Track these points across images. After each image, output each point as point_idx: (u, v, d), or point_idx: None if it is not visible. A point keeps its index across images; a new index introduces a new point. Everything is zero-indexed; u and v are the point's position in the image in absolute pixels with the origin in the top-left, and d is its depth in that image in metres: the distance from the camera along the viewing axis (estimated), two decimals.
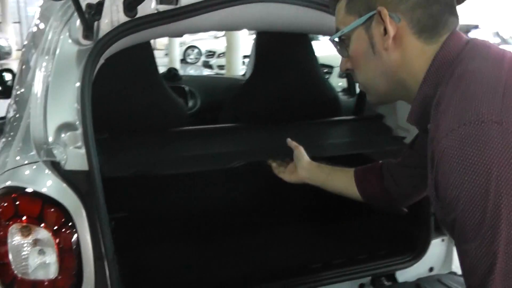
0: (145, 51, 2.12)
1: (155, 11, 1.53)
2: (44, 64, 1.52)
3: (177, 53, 13.82)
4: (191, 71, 12.24)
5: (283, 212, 2.39)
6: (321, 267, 1.83)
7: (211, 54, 14.44)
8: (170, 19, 1.52)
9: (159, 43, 17.24)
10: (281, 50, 2.35)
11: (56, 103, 1.46)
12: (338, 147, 2.17)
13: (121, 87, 2.03)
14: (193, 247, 2.09)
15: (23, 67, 1.80)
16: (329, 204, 2.02)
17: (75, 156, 1.41)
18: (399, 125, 2.08)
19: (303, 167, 1.58)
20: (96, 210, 1.39)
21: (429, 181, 0.90)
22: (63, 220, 1.36)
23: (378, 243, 2.03)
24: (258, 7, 1.60)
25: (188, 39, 16.52)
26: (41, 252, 1.38)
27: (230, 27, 1.76)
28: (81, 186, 1.41)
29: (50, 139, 1.42)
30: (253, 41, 2.78)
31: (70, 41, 1.51)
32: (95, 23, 1.49)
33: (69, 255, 1.37)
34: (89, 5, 1.46)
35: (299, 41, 2.37)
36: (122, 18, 1.50)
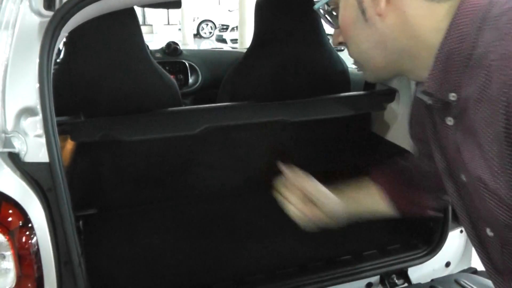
0: (130, 23, 1.89)
1: None
2: (3, 39, 1.33)
3: (190, 28, 13.57)
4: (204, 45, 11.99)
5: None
6: (324, 266, 1.63)
7: (224, 28, 14.15)
8: None
9: (172, 17, 16.98)
10: (284, 19, 2.10)
11: (16, 84, 1.27)
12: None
13: (101, 65, 1.82)
14: (178, 236, 1.93)
15: None
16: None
17: (35, 146, 1.23)
18: None
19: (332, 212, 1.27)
20: (59, 209, 1.22)
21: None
22: (21, 221, 1.19)
23: (388, 236, 1.81)
24: None
25: (202, 13, 16.22)
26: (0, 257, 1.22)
27: None
28: (43, 181, 1.24)
29: (9, 126, 1.23)
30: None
31: (31, 12, 1.30)
32: None
33: (28, 261, 1.20)
34: None
35: (304, 8, 2.12)
36: None
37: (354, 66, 2.83)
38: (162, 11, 15.58)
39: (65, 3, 1.25)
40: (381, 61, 0.88)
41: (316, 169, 2.31)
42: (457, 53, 0.78)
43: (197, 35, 15.98)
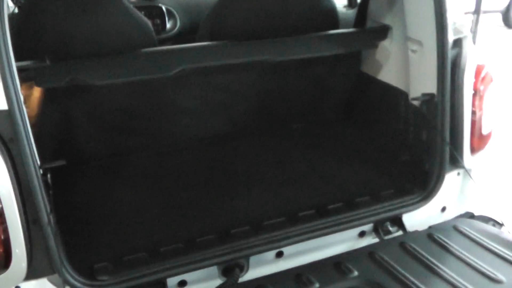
0: None
1: None
2: None
3: None
4: None
5: (266, 138, 2.11)
6: (313, 215, 1.53)
7: None
8: None
9: None
10: None
11: None
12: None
13: (68, 4, 1.65)
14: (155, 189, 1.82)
15: None
16: (323, 150, 1.78)
17: None
18: (410, 36, 1.70)
19: None
20: (23, 161, 1.10)
21: None
22: None
23: (381, 180, 1.73)
24: None
25: None
26: None
27: None
28: (2, 131, 1.11)
29: None
30: None
31: None
32: None
33: None
34: None
35: None
36: None
37: (342, 5, 2.68)
38: None
39: None
40: None
41: (303, 112, 2.21)
42: None
43: None
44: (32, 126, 1.61)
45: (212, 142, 2.05)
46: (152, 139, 1.98)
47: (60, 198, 1.42)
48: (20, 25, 1.63)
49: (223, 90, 1.97)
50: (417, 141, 1.71)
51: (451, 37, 1.54)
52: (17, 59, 1.50)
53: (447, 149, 1.56)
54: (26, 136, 1.13)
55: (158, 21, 3.00)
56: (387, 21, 1.86)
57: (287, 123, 2.21)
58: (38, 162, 1.20)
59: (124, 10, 1.77)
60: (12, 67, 1.13)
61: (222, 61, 1.72)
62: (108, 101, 1.81)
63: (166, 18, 3.02)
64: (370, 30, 1.90)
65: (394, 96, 1.83)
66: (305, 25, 1.95)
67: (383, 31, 1.86)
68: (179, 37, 2.99)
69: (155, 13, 3.01)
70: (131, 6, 1.82)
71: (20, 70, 1.36)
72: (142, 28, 1.80)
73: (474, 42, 1.67)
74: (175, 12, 3.05)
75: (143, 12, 2.93)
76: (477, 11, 4.54)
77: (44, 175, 1.22)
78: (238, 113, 2.04)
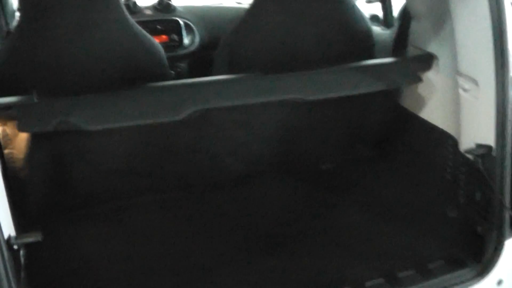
0: None
1: None
2: None
3: None
4: None
5: (290, 181, 1.84)
6: None
7: None
8: None
9: None
10: None
11: None
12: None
13: (64, 27, 1.44)
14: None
15: None
16: (357, 199, 1.57)
17: None
18: (461, 71, 1.41)
19: None
20: None
21: None
22: None
23: (426, 244, 1.45)
24: None
25: None
26: None
27: None
28: None
29: None
30: None
31: None
32: None
33: None
34: None
35: None
36: None
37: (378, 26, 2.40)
38: None
39: None
40: None
41: (333, 151, 1.93)
42: None
43: None
44: (20, 170, 1.40)
45: (228, 186, 1.80)
46: (158, 182, 1.73)
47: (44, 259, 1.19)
48: (9, 51, 1.43)
49: (242, 127, 1.74)
50: (468, 199, 1.43)
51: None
52: (8, 93, 1.30)
53: (507, 211, 1.28)
54: None
55: (175, 37, 2.79)
56: (432, 48, 1.59)
57: (314, 164, 1.95)
58: (11, 234, 0.99)
59: (130, 32, 1.54)
60: None
61: (242, 100, 1.48)
62: (106, 142, 1.59)
63: (184, 33, 2.80)
64: (412, 60, 1.62)
65: (440, 141, 1.55)
66: (337, 51, 1.70)
67: (427, 61, 1.60)
68: (198, 53, 2.79)
69: (172, 28, 2.80)
70: (139, 27, 1.60)
71: (3, 108, 1.16)
72: (151, 54, 1.58)
73: None
74: (193, 26, 2.84)
75: (158, 27, 2.75)
76: None
77: (17, 251, 1.01)
78: (258, 153, 1.80)
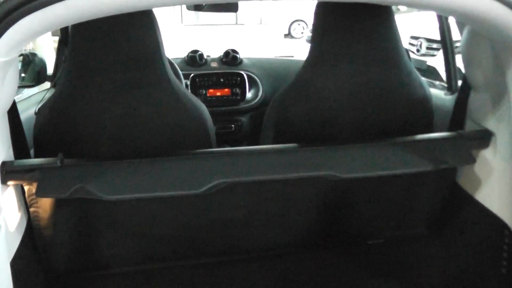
0: (143, 31, 1.43)
1: None
2: None
3: (280, 27, 13.24)
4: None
5: (334, 256, 1.73)
6: None
7: None
8: None
9: (264, 17, 16.78)
10: (351, 29, 1.58)
11: None
12: None
13: (100, 87, 1.42)
14: None
15: None
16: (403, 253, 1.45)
17: None
18: None
19: None
20: None
21: None
22: None
23: None
24: None
25: (294, 12, 15.83)
26: None
27: None
28: None
29: None
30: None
31: None
32: None
33: None
34: None
35: (378, 16, 1.60)
36: None
37: (439, 90, 2.26)
38: (254, 9, 15.47)
39: None
40: None
41: (381, 226, 1.80)
42: None
43: (288, 34, 15.62)
44: (44, 229, 1.43)
45: (259, 258, 1.71)
46: (190, 247, 1.68)
47: None
48: (50, 109, 1.43)
49: (276, 200, 1.64)
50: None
51: None
52: (41, 153, 1.33)
53: None
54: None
55: (238, 90, 2.80)
56: (490, 125, 1.45)
57: (360, 238, 1.82)
58: None
59: (171, 94, 1.48)
60: None
61: (270, 176, 1.38)
62: (130, 206, 1.55)
63: (247, 87, 2.81)
64: (468, 137, 1.48)
65: (495, 229, 1.39)
66: (389, 119, 1.59)
67: (483, 138, 1.45)
68: (261, 107, 2.77)
69: (236, 81, 2.82)
70: (185, 90, 1.55)
71: (28, 170, 1.19)
72: (193, 118, 1.51)
73: None
74: (258, 80, 2.83)
75: (222, 80, 2.78)
76: None
77: None
78: (301, 226, 1.70)
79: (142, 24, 1.41)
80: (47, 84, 2.30)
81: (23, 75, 2.32)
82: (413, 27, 6.33)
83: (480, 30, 1.32)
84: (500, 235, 1.37)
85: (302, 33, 15.64)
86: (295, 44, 13.99)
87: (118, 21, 1.31)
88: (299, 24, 15.95)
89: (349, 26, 1.57)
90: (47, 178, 1.25)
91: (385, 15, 1.58)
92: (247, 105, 2.79)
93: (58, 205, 1.42)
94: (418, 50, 6.33)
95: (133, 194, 1.28)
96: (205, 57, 2.87)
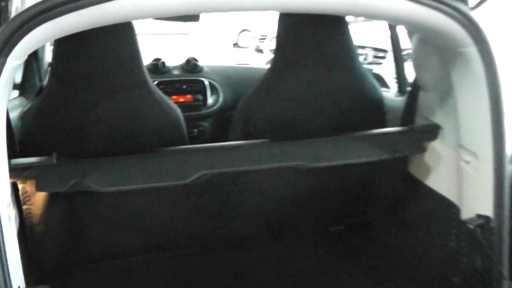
0: (123, 40, 1.56)
1: None
2: None
3: (229, 37, 13.39)
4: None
5: (300, 242, 1.89)
6: None
7: (263, 38, 13.86)
8: None
9: (212, 27, 16.90)
10: (310, 37, 1.76)
11: None
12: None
13: (86, 91, 1.53)
14: None
15: None
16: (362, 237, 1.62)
17: None
18: (463, 144, 1.48)
19: None
20: None
21: None
22: None
23: None
24: None
25: (242, 22, 16.05)
26: None
27: (220, 7, 1.22)
28: None
29: None
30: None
31: None
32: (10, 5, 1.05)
33: None
34: None
35: (334, 25, 1.78)
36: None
37: (390, 92, 2.48)
38: (201, 18, 15.57)
39: (10, 21, 0.99)
40: None
41: (342, 214, 1.98)
42: None
43: (236, 44, 15.81)
44: (36, 225, 1.49)
45: (238, 246, 1.86)
46: (169, 240, 1.81)
47: None
48: (37, 112, 1.54)
49: (250, 190, 1.80)
50: (470, 266, 1.45)
51: (510, 149, 1.32)
52: (31, 154, 1.40)
53: (505, 283, 1.30)
54: (2, 260, 1.00)
55: (200, 97, 2.91)
56: (438, 120, 1.65)
57: (324, 226, 2.00)
58: (21, 286, 1.07)
59: (150, 97, 1.62)
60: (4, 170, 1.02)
61: (248, 166, 1.54)
62: (119, 202, 1.67)
63: (208, 93, 2.93)
64: (418, 130, 1.69)
65: (444, 208, 1.59)
66: (347, 118, 1.77)
67: (432, 132, 1.65)
68: (222, 113, 2.89)
69: (197, 88, 2.93)
70: (159, 92, 1.68)
71: (24, 168, 1.27)
72: (171, 119, 1.66)
73: None
74: (218, 87, 2.96)
75: (184, 87, 2.89)
76: None
77: None
78: (269, 215, 1.85)
79: (122, 33, 1.53)
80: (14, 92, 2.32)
81: None
82: (359, 37, 6.67)
83: (427, 38, 1.52)
84: (449, 213, 1.57)
85: (249, 42, 15.88)
86: (244, 53, 14.19)
87: (100, 31, 1.41)
88: (246, 34, 16.20)
89: (309, 35, 1.75)
90: (45, 174, 1.34)
91: (340, 25, 1.77)
92: (208, 110, 2.91)
93: (50, 202, 1.49)
94: (365, 59, 6.67)
95: (127, 186, 1.40)
96: (167, 65, 2.97)
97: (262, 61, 10.30)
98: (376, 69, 6.29)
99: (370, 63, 6.78)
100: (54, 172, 1.36)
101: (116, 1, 1.03)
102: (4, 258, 1.01)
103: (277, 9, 1.42)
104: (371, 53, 6.82)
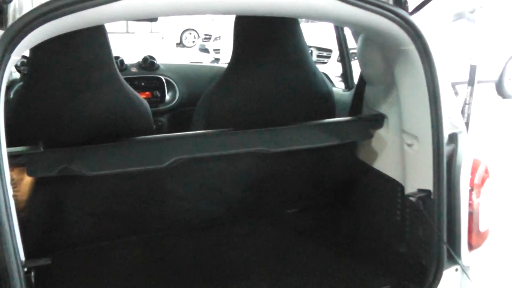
0: (96, 40, 1.70)
1: None
2: None
3: (173, 37, 13.39)
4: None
5: (261, 223, 2.07)
6: None
7: (207, 37, 13.97)
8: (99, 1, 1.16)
9: (155, 26, 16.76)
10: (265, 37, 1.94)
11: None
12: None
13: (63, 87, 1.64)
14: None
15: None
16: (316, 218, 1.77)
17: None
18: (405, 130, 1.69)
19: None
20: (5, 259, 1.10)
21: None
22: None
23: (377, 274, 1.68)
24: None
25: (185, 22, 16.03)
26: None
27: (181, 11, 1.37)
28: None
29: None
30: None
31: None
32: (11, 6, 1.16)
33: None
34: None
35: (287, 26, 1.96)
36: (38, 2, 1.15)
37: (339, 87, 2.70)
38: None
39: (16, 22, 1.10)
40: None
41: (298, 198, 2.18)
42: None
43: (180, 43, 15.80)
44: (21, 211, 1.57)
45: (204, 228, 2.01)
46: (142, 224, 1.93)
47: None
48: (17, 108, 1.63)
49: (217, 176, 1.95)
50: (414, 235, 1.68)
51: (446, 132, 1.54)
52: (14, 142, 1.48)
53: (444, 246, 1.53)
54: (11, 232, 1.10)
55: (158, 93, 3.02)
56: (383, 110, 1.86)
57: (281, 208, 2.17)
58: (23, 259, 1.16)
59: (122, 91, 1.76)
60: (3, 157, 1.12)
61: (216, 151, 1.71)
62: (99, 187, 1.78)
63: (166, 90, 3.04)
64: (365, 119, 1.90)
65: (390, 187, 1.80)
66: (300, 110, 1.96)
67: (378, 121, 1.86)
68: (179, 109, 3.02)
69: (155, 85, 3.04)
70: (129, 87, 1.82)
71: (13, 156, 1.35)
72: (139, 111, 1.80)
73: (467, 128, 1.66)
74: (174, 84, 3.08)
75: (143, 84, 2.99)
76: (471, 82, 4.65)
77: (28, 272, 1.18)
78: (232, 198, 2.01)
79: (95, 32, 1.64)
80: None
81: None
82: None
83: (371, 38, 1.72)
84: (394, 191, 1.78)
85: (193, 42, 15.90)
86: (188, 52, 14.19)
87: (74, 41, 1.52)
88: (190, 33, 16.20)
89: (264, 34, 1.93)
90: (33, 161, 1.43)
91: (293, 24, 1.96)
92: (166, 106, 3.03)
93: (35, 189, 1.58)
94: None
95: (110, 170, 1.52)
96: (125, 63, 3.05)
97: (206, 61, 10.40)
98: (321, 68, 6.62)
99: (315, 62, 7.10)
100: (42, 159, 1.46)
101: (107, 5, 1.15)
102: (13, 232, 1.10)
103: (236, 12, 1.58)
104: (315, 52, 7.11)
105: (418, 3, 1.48)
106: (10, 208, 1.12)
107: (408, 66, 1.58)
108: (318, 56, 6.68)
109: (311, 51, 7.17)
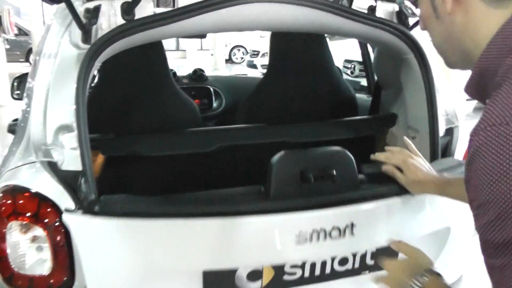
0: (155, 54, 2.14)
1: (152, 13, 1.56)
2: (46, 67, 1.59)
3: (222, 53, 13.95)
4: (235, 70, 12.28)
5: None
6: None
7: (255, 53, 14.49)
8: (167, 20, 1.53)
9: (205, 42, 17.45)
10: (296, 50, 2.32)
11: (55, 105, 1.52)
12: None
13: (129, 90, 2.07)
14: None
15: (31, 71, 1.89)
16: None
17: (71, 157, 1.45)
18: (410, 125, 2.01)
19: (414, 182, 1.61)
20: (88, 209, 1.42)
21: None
22: (57, 219, 1.40)
23: None
24: (254, 7, 1.59)
25: (234, 39, 16.65)
26: (38, 249, 1.44)
27: (227, 28, 1.76)
28: (76, 186, 1.46)
29: (49, 140, 1.47)
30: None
31: (70, 45, 1.57)
32: (94, 27, 1.55)
33: (62, 252, 1.42)
34: (87, 10, 1.53)
35: (315, 40, 2.34)
36: (120, 21, 1.54)
37: (362, 93, 3.02)
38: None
39: (99, 38, 1.51)
40: (450, 56, 0.91)
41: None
42: (491, 72, 0.78)
43: (229, 60, 16.39)
44: None
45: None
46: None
47: None
48: (90, 104, 2.05)
49: (246, 164, 2.28)
50: None
51: (443, 127, 1.85)
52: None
53: None
54: (93, 190, 1.49)
55: (206, 101, 3.44)
56: (395, 110, 2.18)
57: None
58: None
59: (176, 96, 2.18)
60: (87, 139, 1.45)
61: (248, 140, 2.05)
62: (153, 169, 2.16)
63: (213, 98, 3.46)
64: (380, 118, 2.22)
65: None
66: (326, 113, 2.30)
67: (391, 119, 2.17)
68: (224, 115, 3.42)
69: (204, 93, 3.47)
70: (183, 92, 2.24)
71: (90, 140, 1.74)
72: (190, 113, 2.20)
73: None
74: (221, 93, 3.49)
75: (193, 93, 3.41)
76: None
77: None
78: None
79: (154, 46, 2.06)
80: None
81: (18, 92, 2.85)
82: (346, 52, 7.22)
83: (382, 49, 2.06)
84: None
85: (242, 58, 16.47)
86: (236, 69, 14.71)
87: (137, 54, 1.92)
88: (239, 50, 16.80)
89: (295, 48, 2.30)
90: (107, 145, 1.83)
91: (320, 39, 2.32)
92: (213, 113, 3.44)
93: (105, 167, 1.95)
94: (352, 72, 7.19)
95: (168, 152, 1.91)
96: (177, 75, 3.51)
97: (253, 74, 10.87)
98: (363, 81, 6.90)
99: (357, 76, 7.34)
100: (113, 144, 1.85)
101: (167, 26, 1.55)
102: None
103: (271, 29, 1.95)
104: (357, 66, 7.36)
105: (416, 20, 1.81)
106: (91, 173, 1.46)
107: (410, 72, 1.90)
108: (361, 70, 6.96)
109: (354, 66, 7.44)
